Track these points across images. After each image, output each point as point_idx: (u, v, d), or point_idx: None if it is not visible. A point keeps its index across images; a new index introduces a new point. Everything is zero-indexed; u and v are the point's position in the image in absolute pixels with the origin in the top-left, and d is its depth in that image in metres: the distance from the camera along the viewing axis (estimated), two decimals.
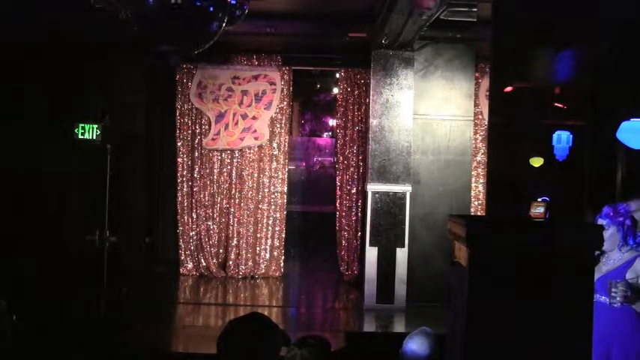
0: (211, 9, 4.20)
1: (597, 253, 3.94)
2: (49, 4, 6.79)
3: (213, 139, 9.59)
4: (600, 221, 3.92)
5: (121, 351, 5.80)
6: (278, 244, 9.73)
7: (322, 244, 10.59)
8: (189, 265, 9.69)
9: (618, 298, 3.73)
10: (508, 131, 3.17)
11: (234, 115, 9.57)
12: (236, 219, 9.65)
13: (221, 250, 9.76)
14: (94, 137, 7.70)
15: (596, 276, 3.87)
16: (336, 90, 11.18)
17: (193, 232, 9.68)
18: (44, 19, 7.34)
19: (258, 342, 2.50)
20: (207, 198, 9.67)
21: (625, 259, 3.88)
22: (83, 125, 7.69)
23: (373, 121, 8.29)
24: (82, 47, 8.51)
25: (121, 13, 4.25)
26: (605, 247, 3.88)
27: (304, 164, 15.38)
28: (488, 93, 9.48)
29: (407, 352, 3.27)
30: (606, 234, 3.87)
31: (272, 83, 9.57)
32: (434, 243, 8.18)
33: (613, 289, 3.73)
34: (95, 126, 7.69)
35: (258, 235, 9.67)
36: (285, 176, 9.75)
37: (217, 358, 2.54)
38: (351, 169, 9.63)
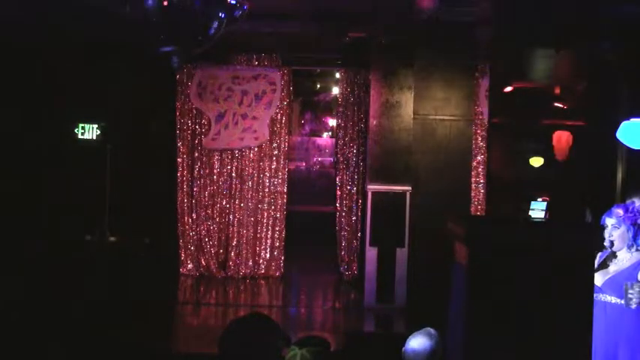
0: (211, 9, 4.20)
1: (606, 253, 3.92)
2: (51, 4, 6.80)
3: (213, 139, 9.58)
4: (610, 220, 3.86)
5: (121, 350, 5.80)
6: (278, 244, 9.72)
7: (322, 244, 10.59)
8: (190, 265, 9.69)
9: (635, 300, 3.66)
10: (508, 131, 3.17)
11: (234, 115, 9.56)
12: (236, 219, 9.65)
13: (221, 250, 9.75)
14: (94, 137, 7.72)
15: (604, 277, 3.85)
16: (336, 90, 11.18)
17: (193, 232, 9.68)
18: (45, 20, 7.35)
19: (259, 342, 2.50)
20: (207, 198, 9.67)
21: (634, 260, 3.82)
22: (83, 125, 7.72)
23: (373, 121, 8.29)
24: (83, 47, 8.51)
25: (122, 13, 4.24)
26: (615, 246, 3.86)
27: (304, 164, 15.37)
28: (488, 93, 9.49)
29: (408, 350, 3.29)
30: (616, 233, 3.85)
31: (272, 83, 9.56)
32: (434, 243, 8.15)
33: (630, 291, 3.65)
34: (95, 126, 7.71)
35: (258, 235, 9.67)
36: (285, 176, 9.74)
37: (218, 358, 2.54)
38: (351, 169, 9.62)
